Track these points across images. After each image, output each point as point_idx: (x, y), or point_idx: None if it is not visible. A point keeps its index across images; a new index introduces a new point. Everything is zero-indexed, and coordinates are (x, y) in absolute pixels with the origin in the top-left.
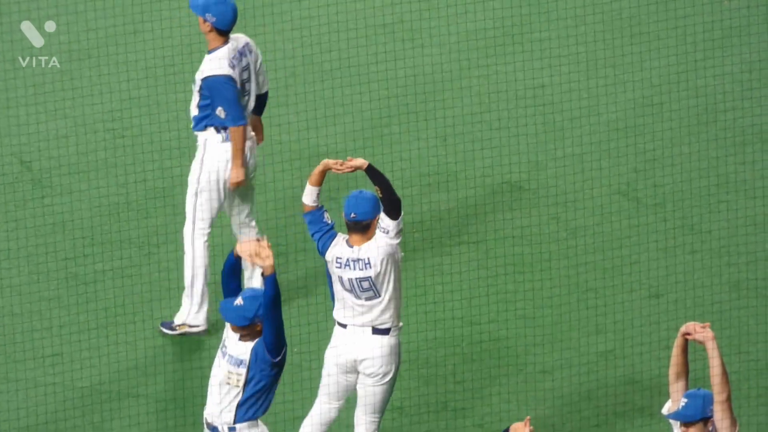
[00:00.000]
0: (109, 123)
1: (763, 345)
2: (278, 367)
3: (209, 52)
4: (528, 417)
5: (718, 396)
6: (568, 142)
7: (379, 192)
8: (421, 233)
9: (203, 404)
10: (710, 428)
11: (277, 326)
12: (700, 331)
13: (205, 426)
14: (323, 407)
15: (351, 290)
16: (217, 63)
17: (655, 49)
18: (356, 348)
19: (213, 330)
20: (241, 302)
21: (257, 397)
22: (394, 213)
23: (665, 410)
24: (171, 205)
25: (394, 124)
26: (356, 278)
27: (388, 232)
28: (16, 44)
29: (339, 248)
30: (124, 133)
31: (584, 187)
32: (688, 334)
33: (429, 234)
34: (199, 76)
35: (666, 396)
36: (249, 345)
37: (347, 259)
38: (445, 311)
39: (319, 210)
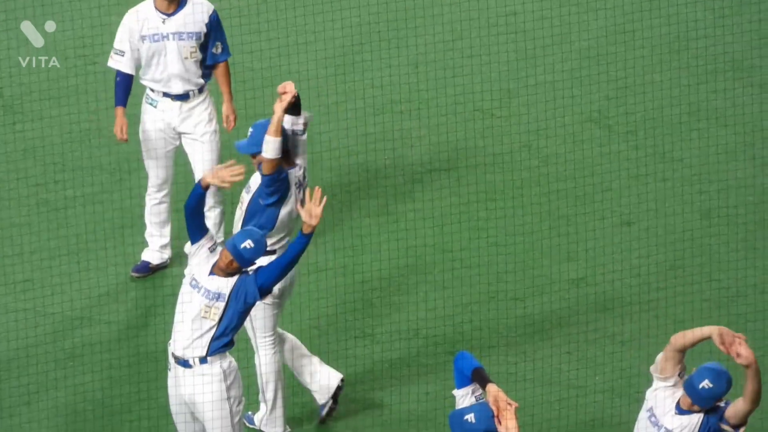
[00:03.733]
0: (80, 49)
1: (733, 273)
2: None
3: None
4: (516, 404)
5: (748, 405)
6: (540, 70)
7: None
8: (393, 160)
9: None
10: (723, 404)
11: (284, 274)
12: (741, 351)
13: (171, 359)
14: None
15: None
16: None
17: None
18: None
19: (177, 259)
20: (251, 245)
21: (230, 331)
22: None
23: (657, 371)
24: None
25: (366, 51)
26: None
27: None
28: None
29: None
30: (95, 60)
31: (556, 114)
32: (723, 344)
33: (401, 161)
34: (201, 18)
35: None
36: (227, 280)
37: None
38: (417, 238)
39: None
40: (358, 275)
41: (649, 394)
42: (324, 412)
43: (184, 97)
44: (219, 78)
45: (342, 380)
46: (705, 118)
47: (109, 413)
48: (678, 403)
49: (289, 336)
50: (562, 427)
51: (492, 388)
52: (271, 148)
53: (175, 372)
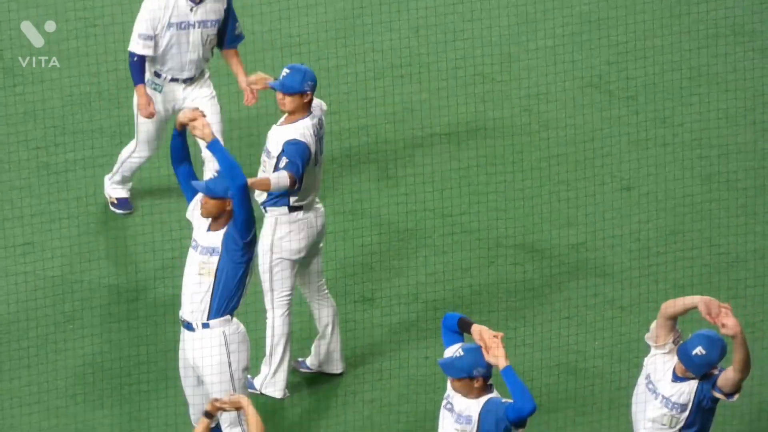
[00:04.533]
0: (80, 12)
1: (733, 238)
2: (248, 254)
3: None
4: (501, 334)
5: (737, 374)
6: (541, 35)
7: None
8: (393, 125)
9: (176, 294)
10: (717, 371)
11: (244, 199)
12: (726, 321)
13: (182, 325)
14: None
15: None
16: None
17: None
18: None
19: (178, 223)
20: (215, 175)
21: (229, 290)
22: None
23: (651, 339)
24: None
25: (366, 14)
26: None
27: None
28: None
29: None
30: (95, 22)
31: (556, 79)
32: (709, 314)
33: (401, 126)
34: (221, 5)
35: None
36: (220, 233)
37: None
38: (417, 203)
39: None
40: (358, 239)
41: (647, 361)
42: (302, 368)
43: (190, 79)
44: (232, 58)
45: (340, 373)
46: (706, 83)
47: (109, 376)
48: (674, 370)
49: (333, 302)
50: (561, 391)
51: (475, 326)
52: (281, 186)
53: (182, 335)
